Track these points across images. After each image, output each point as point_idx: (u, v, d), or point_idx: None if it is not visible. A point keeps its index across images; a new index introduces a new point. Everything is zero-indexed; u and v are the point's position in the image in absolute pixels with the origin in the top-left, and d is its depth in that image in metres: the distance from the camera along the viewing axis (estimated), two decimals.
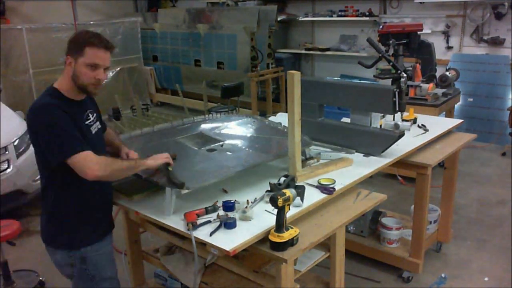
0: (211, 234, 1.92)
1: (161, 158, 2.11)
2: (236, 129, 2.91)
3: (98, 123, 2.16)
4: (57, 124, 1.87)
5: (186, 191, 2.04)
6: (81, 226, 2.09)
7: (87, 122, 2.05)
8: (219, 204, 2.16)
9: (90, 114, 2.09)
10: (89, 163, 1.86)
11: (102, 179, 1.94)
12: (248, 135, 2.83)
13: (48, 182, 2.05)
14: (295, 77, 2.24)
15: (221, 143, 2.61)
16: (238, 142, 2.67)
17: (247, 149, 2.58)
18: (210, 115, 3.09)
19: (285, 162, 2.54)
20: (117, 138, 2.42)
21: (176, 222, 2.04)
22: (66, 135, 1.87)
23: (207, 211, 2.10)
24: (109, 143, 2.34)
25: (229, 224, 1.94)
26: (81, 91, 2.00)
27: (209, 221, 2.02)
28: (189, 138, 2.70)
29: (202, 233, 1.95)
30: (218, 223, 2.00)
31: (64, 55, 1.97)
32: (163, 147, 2.55)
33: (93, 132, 2.09)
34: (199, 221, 2.03)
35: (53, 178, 2.01)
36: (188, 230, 1.95)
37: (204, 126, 2.90)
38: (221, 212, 2.09)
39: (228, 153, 2.51)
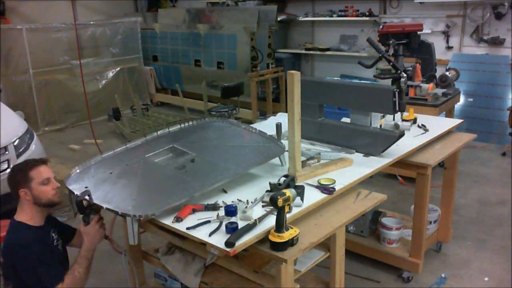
0: (210, 235, 1.92)
1: (97, 237, 2.28)
2: (210, 139, 2.86)
3: (59, 238, 2.36)
4: (34, 259, 2.08)
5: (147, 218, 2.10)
6: None
7: (54, 244, 2.27)
8: (220, 204, 2.16)
9: (53, 234, 2.30)
10: None
11: None
12: (222, 142, 2.78)
13: None
14: (295, 77, 2.24)
15: (191, 158, 2.59)
16: (210, 155, 2.60)
17: (218, 164, 2.50)
18: (185, 123, 3.02)
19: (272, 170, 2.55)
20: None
21: (169, 220, 2.07)
22: (41, 272, 2.08)
23: (207, 207, 2.12)
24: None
25: (231, 229, 1.92)
26: (48, 207, 2.26)
27: (209, 221, 2.02)
28: (161, 154, 2.68)
29: (201, 233, 1.95)
30: (218, 224, 2.00)
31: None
32: (132, 169, 2.51)
33: (60, 247, 2.32)
34: (198, 217, 2.05)
35: None
36: (172, 222, 2.03)
37: (179, 137, 2.86)
38: (221, 212, 2.09)
39: (198, 169, 2.48)
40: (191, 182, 2.32)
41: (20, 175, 2.18)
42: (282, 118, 3.35)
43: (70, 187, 2.35)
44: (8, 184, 2.21)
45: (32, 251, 2.08)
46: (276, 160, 2.72)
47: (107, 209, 2.14)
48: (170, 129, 2.95)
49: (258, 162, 2.51)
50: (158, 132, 2.91)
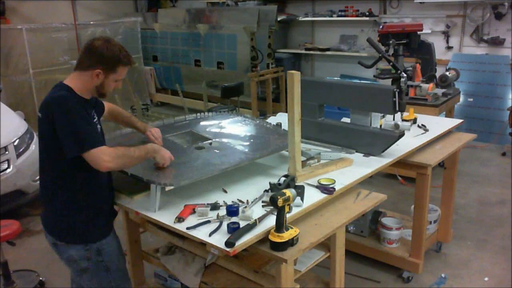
0: (210, 235, 1.92)
1: (167, 158, 2.22)
2: (225, 128, 2.95)
3: (99, 124, 2.24)
4: (76, 117, 1.96)
5: (171, 187, 2.08)
6: (95, 219, 2.14)
7: (94, 120, 2.15)
8: (220, 203, 2.16)
9: (95, 114, 2.20)
10: (103, 156, 1.95)
11: (114, 170, 2.09)
12: (238, 133, 2.86)
13: (56, 179, 2.08)
14: (295, 77, 2.24)
15: (209, 141, 2.65)
16: (227, 141, 2.70)
17: (235, 147, 2.61)
18: (201, 114, 3.10)
19: (281, 162, 2.55)
20: (124, 111, 2.64)
21: (170, 219, 2.07)
22: (84, 129, 1.96)
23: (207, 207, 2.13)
24: (120, 118, 2.56)
25: (233, 228, 1.92)
26: (98, 96, 2.17)
27: (209, 221, 2.02)
28: (179, 136, 2.73)
29: (201, 233, 1.95)
30: (218, 223, 2.00)
31: (87, 59, 2.04)
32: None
33: (98, 130, 2.17)
34: (198, 217, 2.05)
35: (62, 174, 2.06)
36: (174, 223, 2.02)
37: (195, 124, 2.94)
38: (221, 212, 2.09)
39: (216, 151, 2.54)
40: (212, 160, 2.39)
41: (111, 60, 2.05)
42: (282, 118, 3.35)
43: None
44: (90, 49, 2.05)
45: (76, 109, 1.96)
46: (276, 161, 2.72)
47: (131, 174, 2.17)
48: (186, 117, 3.03)
49: (273, 151, 2.60)
50: (175, 118, 2.99)
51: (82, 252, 2.13)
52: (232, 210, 2.06)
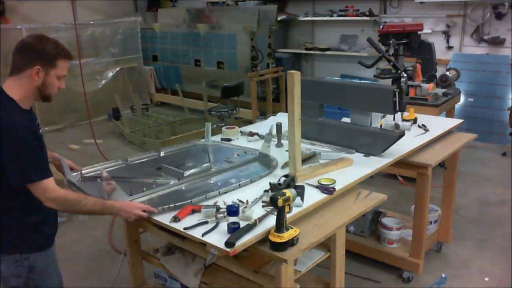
0: (203, 235, 1.92)
1: (135, 212, 2.05)
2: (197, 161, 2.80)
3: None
4: (25, 147, 1.85)
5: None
6: (31, 231, 2.01)
7: (40, 131, 2.02)
8: (220, 205, 2.16)
9: (38, 122, 2.06)
10: (47, 194, 1.89)
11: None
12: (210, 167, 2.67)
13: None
14: (295, 77, 2.24)
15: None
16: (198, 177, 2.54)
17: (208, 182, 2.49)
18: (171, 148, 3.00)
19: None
20: None
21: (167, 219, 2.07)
22: (33, 159, 1.87)
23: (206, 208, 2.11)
24: None
25: (233, 229, 1.91)
26: (42, 100, 2.00)
27: (207, 222, 2.02)
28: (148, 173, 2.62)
29: (201, 233, 1.95)
30: (214, 224, 2.00)
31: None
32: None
33: (43, 140, 2.05)
34: (197, 218, 2.05)
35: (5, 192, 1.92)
36: (170, 222, 2.02)
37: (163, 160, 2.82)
38: (219, 214, 2.07)
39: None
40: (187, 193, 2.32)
41: (48, 54, 1.91)
42: (282, 118, 3.35)
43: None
44: (22, 48, 1.92)
45: (25, 137, 1.85)
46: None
47: None
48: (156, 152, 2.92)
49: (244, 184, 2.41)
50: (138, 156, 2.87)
51: (11, 268, 1.96)
52: (232, 210, 2.05)
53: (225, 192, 2.30)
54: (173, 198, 2.23)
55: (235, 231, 1.90)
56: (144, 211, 2.06)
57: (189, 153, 2.99)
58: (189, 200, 2.17)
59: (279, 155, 2.82)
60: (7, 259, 1.97)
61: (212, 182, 2.47)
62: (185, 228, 1.97)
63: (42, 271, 2.05)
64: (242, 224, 1.96)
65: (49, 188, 1.89)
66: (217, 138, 3.25)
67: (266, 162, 2.71)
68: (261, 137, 3.16)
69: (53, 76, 1.94)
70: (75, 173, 2.49)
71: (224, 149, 3.04)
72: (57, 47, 1.94)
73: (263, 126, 3.48)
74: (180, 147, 3.06)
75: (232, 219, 2.03)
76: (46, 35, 1.98)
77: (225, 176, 2.53)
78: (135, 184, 2.38)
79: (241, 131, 3.37)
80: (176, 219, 2.03)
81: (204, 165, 2.60)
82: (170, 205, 2.12)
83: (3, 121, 1.83)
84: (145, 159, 2.85)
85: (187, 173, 2.46)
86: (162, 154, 2.92)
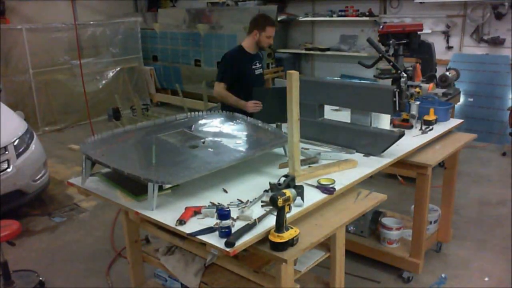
0: (194, 234, 1.92)
1: (252, 108, 3.43)
2: (217, 127, 2.94)
3: (261, 69, 3.81)
4: (223, 63, 3.73)
5: (169, 185, 2.10)
6: None
7: (253, 67, 3.74)
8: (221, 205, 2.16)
9: (257, 63, 3.79)
10: (215, 88, 3.67)
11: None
12: (230, 132, 2.86)
13: None
14: (293, 77, 2.24)
15: (202, 140, 2.64)
16: (220, 139, 2.70)
17: (229, 145, 2.61)
18: (192, 113, 3.07)
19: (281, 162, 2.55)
20: None
21: (171, 221, 2.06)
22: (223, 70, 3.69)
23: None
24: None
25: (224, 233, 1.89)
26: (259, 49, 3.75)
27: (211, 228, 1.99)
28: (171, 136, 2.71)
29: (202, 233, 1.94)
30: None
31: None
32: (145, 144, 2.58)
33: (256, 73, 3.77)
34: (199, 219, 2.05)
35: None
36: (176, 225, 2.01)
37: (186, 124, 2.92)
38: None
39: (210, 149, 2.54)
40: (208, 158, 2.40)
41: (261, 23, 3.63)
42: None
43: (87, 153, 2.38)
44: (252, 20, 3.72)
45: (227, 60, 3.71)
46: (276, 161, 2.72)
47: (128, 174, 2.14)
48: (177, 116, 3.01)
49: (265, 149, 2.62)
50: (166, 118, 2.96)
51: None
52: (223, 214, 1.93)
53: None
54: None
55: (226, 235, 1.88)
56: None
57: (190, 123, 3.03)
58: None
59: (280, 155, 2.84)
60: None
61: (232, 146, 2.61)
62: (189, 234, 1.95)
63: None
64: (241, 224, 1.96)
65: (218, 86, 3.59)
66: None
67: (278, 133, 2.83)
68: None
69: (264, 36, 3.65)
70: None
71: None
72: (266, 20, 3.71)
73: None
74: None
75: (224, 222, 1.93)
76: (264, 14, 3.95)
77: (243, 143, 2.69)
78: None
79: None
80: (181, 222, 2.02)
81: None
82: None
83: (228, 52, 3.81)
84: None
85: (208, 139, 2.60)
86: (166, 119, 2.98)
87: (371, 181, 4.27)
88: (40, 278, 3.44)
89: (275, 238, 1.92)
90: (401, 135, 2.77)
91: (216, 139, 2.71)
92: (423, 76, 4.61)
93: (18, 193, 4.30)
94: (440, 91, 4.62)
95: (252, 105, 3.41)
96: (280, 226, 1.93)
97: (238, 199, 2.22)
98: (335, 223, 2.21)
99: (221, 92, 3.61)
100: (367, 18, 7.32)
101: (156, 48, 8.88)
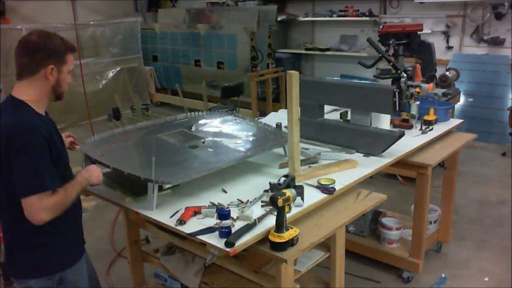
0: (194, 234, 1.92)
1: (94, 176, 1.97)
2: (217, 127, 2.95)
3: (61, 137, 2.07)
4: (32, 152, 1.74)
5: (169, 185, 2.10)
6: (59, 250, 1.96)
7: (60, 139, 1.98)
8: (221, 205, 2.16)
9: (56, 128, 2.01)
10: (35, 207, 1.73)
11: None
12: (230, 132, 2.87)
13: (10, 209, 1.84)
14: (293, 77, 2.24)
15: (202, 140, 2.64)
16: (220, 139, 2.70)
17: (229, 145, 2.61)
18: (192, 113, 3.07)
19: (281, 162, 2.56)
20: None
21: (171, 221, 2.06)
22: (45, 167, 1.77)
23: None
24: None
25: (225, 233, 1.89)
26: (55, 99, 1.95)
27: (211, 228, 1.98)
28: (171, 136, 2.71)
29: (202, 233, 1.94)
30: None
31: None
32: (145, 144, 2.59)
33: (62, 148, 2.00)
34: (199, 219, 2.05)
35: (16, 204, 1.76)
36: (176, 225, 2.00)
37: (186, 124, 2.92)
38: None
39: (210, 149, 2.54)
40: (208, 158, 2.40)
41: (58, 50, 1.84)
42: (283, 115, 3.35)
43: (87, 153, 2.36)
44: (30, 47, 1.81)
45: (37, 141, 1.74)
46: (276, 161, 2.72)
47: (128, 174, 2.13)
48: (177, 116, 3.01)
49: (267, 148, 2.62)
50: (166, 118, 2.97)
51: (42, 283, 1.92)
52: (223, 214, 1.91)
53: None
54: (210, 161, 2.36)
55: (227, 235, 1.88)
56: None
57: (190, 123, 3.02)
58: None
59: (280, 155, 2.84)
60: (37, 279, 1.93)
61: (232, 146, 2.60)
62: (189, 234, 1.95)
63: (72, 282, 2.01)
64: (241, 223, 1.96)
65: (41, 202, 1.73)
66: None
67: (278, 134, 2.83)
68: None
69: (65, 72, 1.90)
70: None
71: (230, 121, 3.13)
72: (63, 42, 1.88)
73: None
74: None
75: (224, 222, 1.93)
76: (47, 30, 1.90)
77: (243, 143, 2.68)
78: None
79: None
80: (181, 222, 2.02)
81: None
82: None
83: (14, 122, 1.76)
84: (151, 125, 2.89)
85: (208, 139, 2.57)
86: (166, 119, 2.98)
87: (371, 181, 4.28)
88: None
89: (275, 238, 1.92)
90: (401, 135, 2.77)
91: (216, 139, 2.71)
92: (423, 76, 4.60)
93: None
94: (440, 91, 4.62)
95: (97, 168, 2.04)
96: (280, 226, 1.93)
97: (238, 199, 2.22)
98: (335, 223, 2.21)
99: (50, 205, 1.76)
100: (367, 18, 7.32)
101: (156, 48, 8.88)
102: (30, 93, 1.85)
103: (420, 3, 6.72)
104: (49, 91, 1.89)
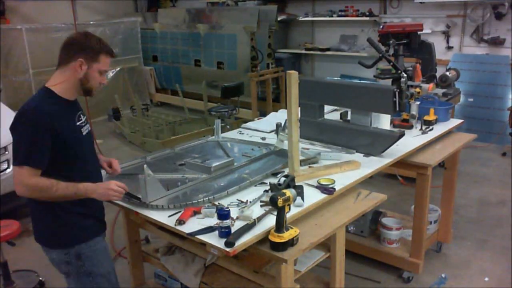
0: (194, 234, 1.92)
1: (110, 194, 2.04)
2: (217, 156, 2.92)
3: (88, 125, 2.16)
4: (26, 128, 1.92)
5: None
6: (75, 224, 2.09)
7: (78, 123, 2.08)
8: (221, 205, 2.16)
9: (81, 116, 2.12)
10: (21, 179, 1.93)
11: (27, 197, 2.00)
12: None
13: None
14: (292, 77, 2.24)
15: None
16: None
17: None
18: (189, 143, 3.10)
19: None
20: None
21: (171, 221, 2.06)
22: (29, 142, 1.92)
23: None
24: None
25: (225, 233, 1.89)
26: (83, 93, 2.08)
27: (211, 227, 1.99)
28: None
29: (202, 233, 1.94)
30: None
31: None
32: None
33: (84, 133, 2.11)
34: (198, 219, 2.05)
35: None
36: (175, 225, 2.01)
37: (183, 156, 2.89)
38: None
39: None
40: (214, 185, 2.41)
41: (92, 48, 2.00)
42: (283, 115, 3.35)
43: None
44: (68, 43, 2.03)
45: (42, 117, 1.91)
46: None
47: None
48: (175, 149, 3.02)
49: (268, 174, 2.53)
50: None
51: (62, 256, 2.10)
52: (223, 214, 1.92)
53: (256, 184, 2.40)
54: (206, 190, 2.33)
55: (226, 234, 1.88)
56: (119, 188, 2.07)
57: (203, 149, 3.04)
58: (225, 192, 2.27)
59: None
60: (57, 249, 2.11)
61: (236, 175, 2.54)
62: (189, 234, 1.95)
63: (90, 257, 2.13)
64: (241, 224, 1.96)
65: (22, 175, 1.92)
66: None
67: (282, 154, 2.76)
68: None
69: (95, 70, 2.02)
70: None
71: (237, 145, 3.12)
72: (100, 43, 2.04)
73: (264, 122, 3.49)
74: (193, 143, 3.13)
75: (224, 222, 1.93)
76: (90, 32, 2.10)
77: (249, 168, 2.63)
78: (165, 180, 2.41)
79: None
80: (181, 222, 2.02)
81: (225, 160, 2.66)
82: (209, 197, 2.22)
83: (25, 105, 1.97)
84: (162, 157, 2.91)
85: (213, 167, 2.53)
86: (177, 149, 3.00)
87: (371, 181, 4.28)
88: (40, 278, 3.44)
89: (275, 238, 1.92)
90: (401, 135, 2.77)
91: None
92: (423, 76, 4.60)
93: None
94: (440, 91, 4.62)
95: (116, 188, 2.06)
96: (280, 226, 1.93)
97: (238, 199, 2.22)
98: (335, 223, 2.21)
99: (31, 182, 1.92)
100: (367, 18, 7.32)
101: (156, 48, 8.87)
102: (58, 79, 2.03)
103: (420, 3, 6.71)
104: (77, 83, 2.03)
